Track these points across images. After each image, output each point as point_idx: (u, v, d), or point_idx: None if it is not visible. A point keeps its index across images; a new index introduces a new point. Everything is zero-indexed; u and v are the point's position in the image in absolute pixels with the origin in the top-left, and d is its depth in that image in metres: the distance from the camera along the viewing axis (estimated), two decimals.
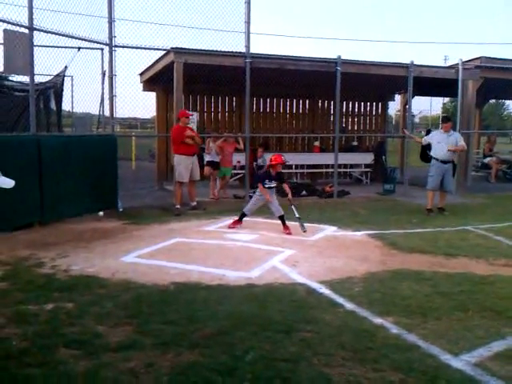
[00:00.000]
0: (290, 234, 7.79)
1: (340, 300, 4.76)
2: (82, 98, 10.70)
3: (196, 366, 3.39)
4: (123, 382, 3.18)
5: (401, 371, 3.33)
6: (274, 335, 3.89)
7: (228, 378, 3.23)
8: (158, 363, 3.43)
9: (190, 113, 10.88)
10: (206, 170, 11.93)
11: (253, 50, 11.17)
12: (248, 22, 10.95)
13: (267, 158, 9.29)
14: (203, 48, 10.74)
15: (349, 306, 4.60)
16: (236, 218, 8.35)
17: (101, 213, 7.31)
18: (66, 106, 12.69)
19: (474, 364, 3.46)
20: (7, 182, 3.70)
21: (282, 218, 8.02)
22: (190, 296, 4.81)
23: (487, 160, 16.72)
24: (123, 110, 10.84)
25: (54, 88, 12.07)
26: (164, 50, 10.89)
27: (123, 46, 10.14)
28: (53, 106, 12.50)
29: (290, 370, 3.33)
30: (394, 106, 19.31)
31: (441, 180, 9.97)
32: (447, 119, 10.70)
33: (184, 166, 9.96)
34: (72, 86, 12.08)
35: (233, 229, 8.08)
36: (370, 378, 3.26)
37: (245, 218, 8.33)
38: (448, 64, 18.84)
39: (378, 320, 4.24)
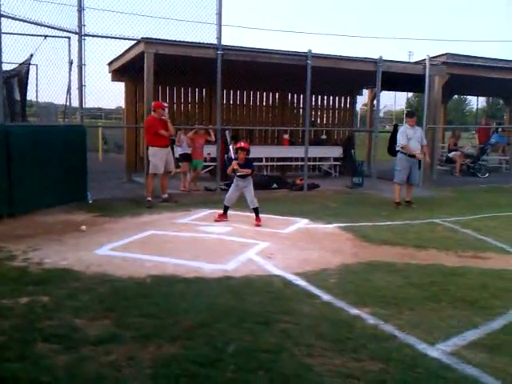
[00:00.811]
0: (259, 226, 7.84)
1: (316, 291, 4.82)
2: (46, 88, 10.43)
3: (178, 358, 3.39)
4: (105, 376, 3.16)
5: (380, 361, 3.41)
6: (254, 327, 3.92)
7: (211, 369, 3.25)
8: (140, 356, 3.42)
9: (165, 104, 10.74)
10: (184, 166, 11.86)
11: (224, 42, 11.13)
12: (219, 14, 10.86)
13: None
14: (174, 39, 10.64)
15: (325, 297, 4.67)
16: (215, 211, 8.37)
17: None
18: (29, 95, 12.40)
19: (450, 353, 3.57)
20: None
21: (256, 210, 8.06)
22: (167, 289, 4.79)
23: (452, 154, 17.11)
24: (89, 100, 10.66)
25: (18, 76, 11.77)
26: (134, 39, 10.71)
27: (93, 35, 9.97)
28: (17, 95, 12.19)
29: (272, 361, 3.37)
30: (361, 101, 19.56)
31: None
32: (413, 114, 10.91)
33: (159, 157, 9.90)
34: (37, 74, 11.80)
35: (219, 222, 8.07)
36: (351, 367, 3.33)
37: (216, 211, 8.36)
38: (412, 60, 19.23)
39: (354, 311, 4.33)
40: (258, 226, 7.86)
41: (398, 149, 10.28)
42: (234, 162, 8.09)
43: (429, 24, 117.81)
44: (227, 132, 8.81)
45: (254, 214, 8.08)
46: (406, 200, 10.31)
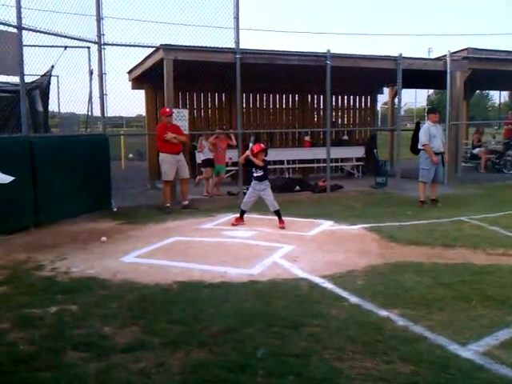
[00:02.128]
0: (283, 228, 7.82)
1: (344, 294, 4.77)
2: (68, 98, 10.56)
3: (207, 364, 3.38)
4: (135, 383, 3.17)
5: (411, 363, 3.36)
6: (282, 331, 3.90)
7: (241, 375, 3.23)
8: (169, 363, 3.42)
9: (168, 110, 10.21)
10: (208, 172, 11.85)
11: (242, 46, 11.14)
12: (237, 18, 10.89)
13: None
14: (193, 44, 10.69)
15: (353, 299, 4.62)
16: (236, 215, 8.36)
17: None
18: (52, 106, 12.56)
19: (482, 353, 3.49)
20: (3, 178, 3.67)
21: (277, 212, 8.04)
22: (194, 294, 4.80)
23: (476, 151, 16.85)
24: (110, 109, 10.74)
25: (40, 88, 11.93)
26: (153, 47, 10.80)
27: (112, 44, 10.05)
28: (39, 106, 12.36)
29: (301, 365, 3.34)
30: (381, 99, 19.37)
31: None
32: (436, 110, 10.78)
33: (168, 164, 9.89)
34: (58, 85, 11.95)
35: (235, 226, 8.07)
36: (382, 370, 3.28)
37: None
38: (432, 56, 18.99)
39: (383, 312, 4.27)
40: (282, 228, 7.84)
41: (420, 147, 10.12)
42: (248, 152, 8.09)
43: (448, 19, 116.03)
44: (252, 138, 8.75)
45: (276, 217, 8.05)
46: (432, 198, 10.15)
